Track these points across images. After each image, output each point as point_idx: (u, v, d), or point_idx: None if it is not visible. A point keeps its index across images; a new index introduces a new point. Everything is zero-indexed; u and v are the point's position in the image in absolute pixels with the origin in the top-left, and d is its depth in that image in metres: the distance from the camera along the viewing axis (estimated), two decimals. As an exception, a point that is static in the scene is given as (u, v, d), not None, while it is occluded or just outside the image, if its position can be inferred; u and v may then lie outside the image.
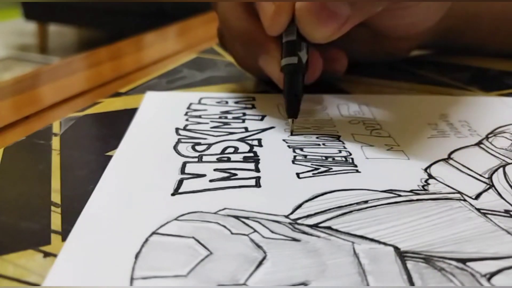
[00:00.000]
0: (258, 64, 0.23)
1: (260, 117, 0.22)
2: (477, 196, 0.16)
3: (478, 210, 0.15)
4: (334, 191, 0.16)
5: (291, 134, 0.20)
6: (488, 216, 0.15)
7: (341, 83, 0.27)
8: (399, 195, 0.16)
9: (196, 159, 0.18)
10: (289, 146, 0.19)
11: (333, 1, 0.19)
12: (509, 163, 0.18)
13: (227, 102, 0.24)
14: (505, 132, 0.21)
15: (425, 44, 0.31)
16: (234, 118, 0.22)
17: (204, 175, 0.17)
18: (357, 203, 0.15)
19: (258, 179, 0.17)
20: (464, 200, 0.15)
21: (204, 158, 0.18)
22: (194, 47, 0.36)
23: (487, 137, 0.20)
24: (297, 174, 0.17)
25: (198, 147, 0.19)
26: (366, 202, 0.15)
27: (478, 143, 0.20)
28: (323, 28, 0.20)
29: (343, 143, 0.20)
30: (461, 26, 0.30)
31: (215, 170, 0.17)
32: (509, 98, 0.25)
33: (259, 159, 0.18)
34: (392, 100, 0.25)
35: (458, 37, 0.31)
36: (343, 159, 0.18)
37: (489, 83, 0.28)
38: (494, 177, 0.17)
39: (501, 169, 0.18)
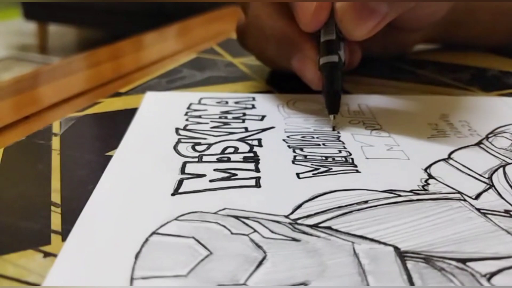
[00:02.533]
0: (290, 64, 0.24)
1: (260, 117, 0.22)
2: (477, 196, 0.16)
3: (478, 210, 0.15)
4: (334, 191, 0.16)
5: (333, 130, 0.21)
6: (488, 216, 0.15)
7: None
8: (399, 195, 0.16)
9: (196, 159, 0.18)
10: (289, 146, 0.19)
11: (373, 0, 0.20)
12: (509, 163, 0.18)
13: (227, 102, 0.24)
14: (505, 132, 0.21)
15: (429, 37, 0.31)
16: (234, 118, 0.22)
17: (204, 175, 0.17)
18: (357, 203, 0.15)
19: (258, 179, 0.17)
20: (464, 200, 0.15)
21: (204, 158, 0.18)
22: (194, 47, 0.36)
23: (487, 137, 0.20)
24: (297, 174, 0.17)
25: (198, 147, 0.19)
26: (366, 202, 0.15)
27: (478, 143, 0.20)
28: (363, 25, 0.21)
29: (343, 143, 0.20)
30: (461, 20, 0.31)
31: (215, 170, 0.17)
32: (509, 98, 0.25)
33: (259, 159, 0.18)
34: (392, 100, 0.25)
35: (457, 30, 0.32)
36: (343, 159, 0.18)
37: (489, 83, 0.28)
38: (494, 177, 0.17)
39: (501, 169, 0.18)
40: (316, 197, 0.16)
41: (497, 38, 0.32)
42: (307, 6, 0.22)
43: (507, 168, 0.18)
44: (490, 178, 0.17)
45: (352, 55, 0.25)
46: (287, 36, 0.23)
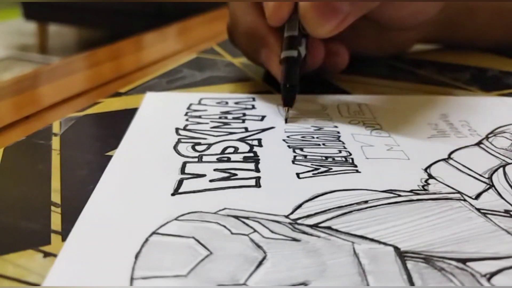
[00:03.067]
0: (260, 58, 0.25)
1: (260, 117, 0.22)
2: (477, 196, 0.16)
3: (478, 210, 0.15)
4: (334, 191, 0.16)
5: (286, 122, 0.22)
6: (488, 216, 0.15)
7: (341, 83, 0.27)
8: (399, 195, 0.16)
9: (196, 159, 0.18)
10: (289, 146, 0.19)
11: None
12: (509, 163, 0.18)
13: (227, 103, 0.24)
14: (505, 132, 0.21)
15: (428, 37, 0.31)
16: (234, 118, 0.22)
17: (204, 175, 0.17)
18: (357, 203, 0.15)
19: (258, 179, 0.17)
20: (464, 200, 0.15)
21: (204, 158, 0.18)
22: (194, 47, 0.36)
23: (487, 137, 0.20)
24: (297, 174, 0.17)
25: (198, 147, 0.19)
26: (366, 202, 0.15)
27: (478, 143, 0.20)
28: (325, 23, 0.21)
29: (343, 143, 0.20)
30: (460, 19, 0.31)
31: (215, 170, 0.17)
32: (509, 98, 0.25)
33: (259, 159, 0.18)
34: (392, 100, 0.25)
35: (457, 29, 0.32)
36: (343, 159, 0.18)
37: (489, 83, 0.28)
38: (494, 177, 0.17)
39: (501, 169, 0.18)
40: (316, 197, 0.16)
41: (496, 38, 0.32)
42: (271, 2, 0.23)
43: (507, 168, 0.18)
44: (490, 178, 0.17)
45: (336, 56, 0.26)
46: (256, 31, 0.24)
